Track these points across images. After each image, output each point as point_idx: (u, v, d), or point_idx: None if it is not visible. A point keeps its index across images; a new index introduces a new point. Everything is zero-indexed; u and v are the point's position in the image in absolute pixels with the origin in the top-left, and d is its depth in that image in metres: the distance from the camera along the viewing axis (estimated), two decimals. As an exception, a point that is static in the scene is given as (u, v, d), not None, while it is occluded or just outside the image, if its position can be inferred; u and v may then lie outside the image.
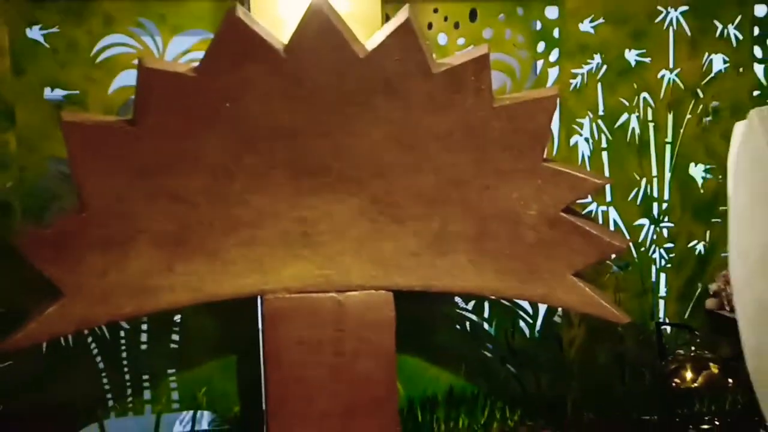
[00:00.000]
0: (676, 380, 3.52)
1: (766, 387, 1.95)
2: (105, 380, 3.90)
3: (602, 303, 3.55)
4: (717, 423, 3.66)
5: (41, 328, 3.27)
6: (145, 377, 3.96)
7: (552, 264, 3.59)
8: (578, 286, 3.58)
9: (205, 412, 4.03)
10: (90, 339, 3.86)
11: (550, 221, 3.55)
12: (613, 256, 3.93)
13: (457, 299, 4.24)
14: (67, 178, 3.64)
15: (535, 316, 4.26)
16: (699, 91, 4.20)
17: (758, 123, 2.05)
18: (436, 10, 4.05)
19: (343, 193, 3.66)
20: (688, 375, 3.46)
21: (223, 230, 3.57)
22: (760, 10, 4.25)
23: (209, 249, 3.56)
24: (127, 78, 3.76)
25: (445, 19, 4.06)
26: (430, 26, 4.07)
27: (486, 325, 4.27)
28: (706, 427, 3.51)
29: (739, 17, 4.21)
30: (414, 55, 3.32)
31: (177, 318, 3.97)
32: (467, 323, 4.24)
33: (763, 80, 4.27)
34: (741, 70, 4.23)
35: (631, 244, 4.18)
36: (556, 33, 4.10)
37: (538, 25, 4.10)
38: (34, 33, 3.71)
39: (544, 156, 3.53)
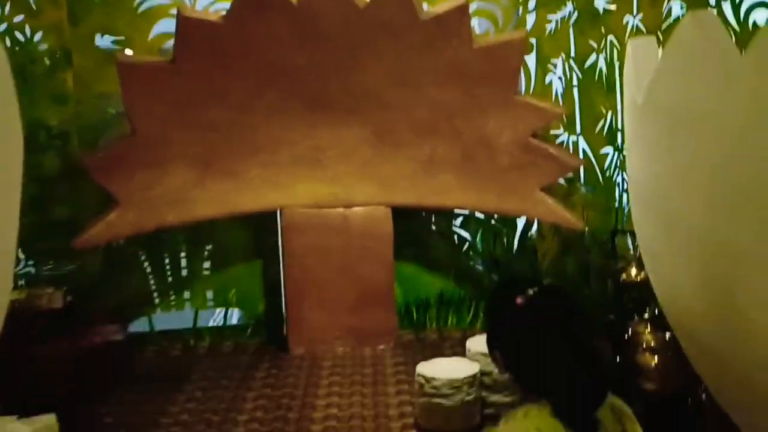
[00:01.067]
0: (624, 276, 4.19)
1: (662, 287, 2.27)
2: (152, 282, 4.67)
3: (564, 213, 4.24)
4: (657, 312, 4.27)
5: (103, 231, 4.04)
6: (185, 280, 4.72)
7: (523, 182, 4.27)
8: (545, 200, 4.27)
9: (235, 310, 4.79)
10: (139, 247, 4.60)
11: (521, 146, 4.22)
12: (571, 173, 4.56)
13: (446, 215, 4.92)
14: (115, 113, 4.35)
15: (513, 232, 4.96)
16: (659, 34, 4.79)
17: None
18: (427, -36, 4.63)
19: (349, 123, 4.35)
20: (633, 271, 4.12)
21: (246, 155, 4.28)
22: (715, -44, 4.81)
23: (234, 170, 4.28)
24: (165, 26, 4.41)
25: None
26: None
27: (472, 239, 4.97)
28: (647, 315, 4.17)
29: (696, -37, 4.77)
30: (404, 5, 3.95)
31: (211, 229, 4.68)
32: (456, 237, 4.95)
33: (716, 25, 4.84)
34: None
35: (597, 168, 4.82)
36: (534, -17, 4.69)
37: (516, -26, 4.69)
38: (86, -14, 4.37)
39: (517, 89, 4.18)
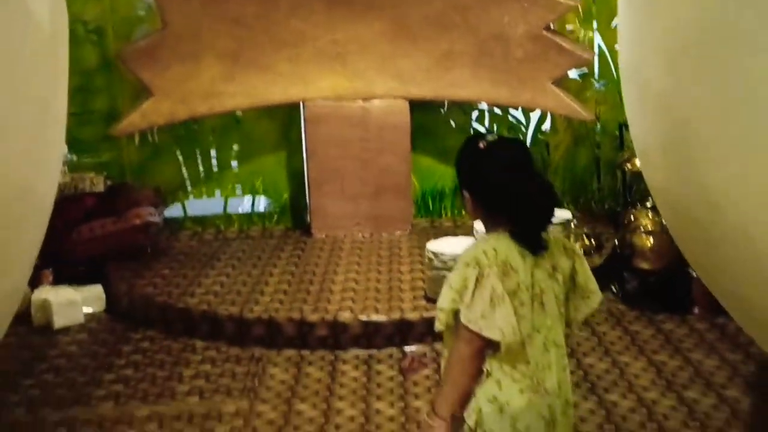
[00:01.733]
0: (628, 165, 4.39)
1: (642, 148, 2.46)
2: (184, 170, 5.00)
3: (573, 105, 4.42)
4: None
5: (138, 119, 4.34)
6: (215, 169, 5.04)
7: (535, 74, 4.44)
8: (555, 92, 4.44)
9: (262, 198, 5.11)
10: (172, 138, 4.90)
11: (534, 39, 4.36)
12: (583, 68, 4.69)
13: (461, 109, 5.11)
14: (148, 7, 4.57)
15: (527, 125, 5.14)
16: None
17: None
18: None
19: (368, 18, 4.51)
20: (637, 161, 4.30)
21: (272, 49, 4.49)
22: None
23: (261, 64, 4.50)
24: None
25: None
26: None
27: (485, 131, 5.18)
28: (649, 204, 4.38)
29: None
30: None
31: (239, 122, 4.96)
32: (471, 131, 5.16)
33: None
34: None
35: (611, 64, 4.94)
36: None
37: None
38: None
39: (530, -16, 4.29)
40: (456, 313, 1.70)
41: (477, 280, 1.67)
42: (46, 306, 3.88)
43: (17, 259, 2.10)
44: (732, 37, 1.71)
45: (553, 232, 1.81)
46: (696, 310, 3.79)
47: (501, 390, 1.72)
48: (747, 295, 2.02)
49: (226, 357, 3.49)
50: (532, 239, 1.72)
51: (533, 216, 1.71)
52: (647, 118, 2.20)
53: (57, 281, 4.17)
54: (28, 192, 2.08)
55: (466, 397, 1.73)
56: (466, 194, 1.80)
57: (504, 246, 1.70)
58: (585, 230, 4.48)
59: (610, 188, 5.11)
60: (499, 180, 1.71)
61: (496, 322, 1.65)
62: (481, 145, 1.76)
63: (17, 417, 3.01)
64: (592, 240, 4.41)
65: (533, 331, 1.73)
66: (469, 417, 1.73)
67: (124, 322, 3.93)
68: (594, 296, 1.85)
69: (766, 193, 1.72)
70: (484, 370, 1.72)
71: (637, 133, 2.42)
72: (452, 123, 5.15)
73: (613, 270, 4.14)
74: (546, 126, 5.15)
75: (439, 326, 1.75)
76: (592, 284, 1.85)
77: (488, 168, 1.73)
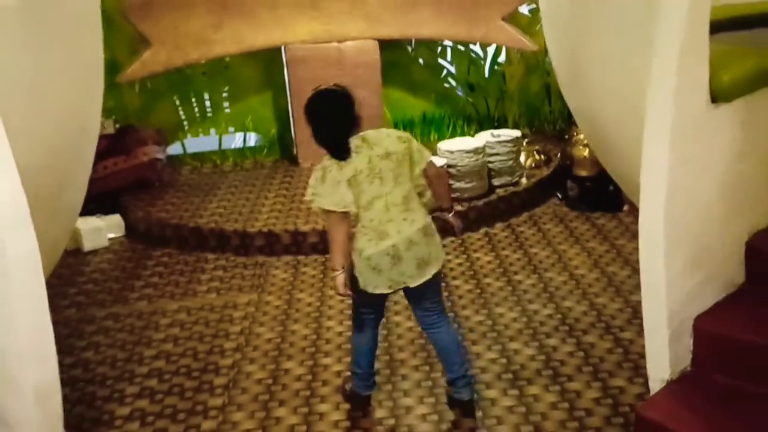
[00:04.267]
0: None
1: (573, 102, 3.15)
2: (181, 112, 5.59)
3: (521, 38, 5.04)
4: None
5: (139, 68, 4.91)
6: (208, 110, 5.64)
7: (488, 12, 5.04)
8: (505, 28, 5.06)
9: (252, 134, 5.73)
10: (168, 84, 5.48)
11: (485, -19, 4.96)
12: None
13: (426, 46, 5.71)
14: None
15: (485, 59, 5.76)
16: None
17: None
18: None
19: (339, -34, 5.07)
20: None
21: (254, -2, 5.05)
22: None
23: (246, 12, 5.05)
24: None
25: None
26: None
27: (449, 66, 5.79)
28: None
29: None
30: None
31: (228, 67, 5.53)
32: (434, 64, 5.78)
33: None
34: None
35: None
36: None
37: None
38: None
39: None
40: None
41: (322, 176, 2.49)
42: (75, 232, 4.52)
43: (81, 177, 2.75)
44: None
45: (387, 132, 2.61)
46: (625, 207, 4.51)
47: (358, 242, 2.53)
48: (619, 169, 2.73)
49: (234, 264, 4.18)
50: (338, 154, 2.48)
51: (325, 144, 2.50)
52: (557, 40, 2.88)
53: (81, 213, 4.79)
54: (84, 129, 2.71)
55: (346, 252, 2.53)
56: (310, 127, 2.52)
57: (329, 158, 2.52)
58: (536, 147, 5.18)
59: (560, 111, 5.75)
60: (307, 119, 2.48)
61: (333, 198, 2.46)
62: (312, 90, 2.50)
63: (69, 315, 3.70)
64: (542, 155, 5.10)
65: (374, 198, 2.49)
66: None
67: (143, 244, 4.58)
68: (422, 161, 2.58)
69: (615, 98, 2.40)
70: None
71: (555, 62, 3.08)
72: (420, 60, 5.76)
73: (557, 179, 4.85)
74: (501, 58, 5.77)
75: (315, 208, 2.58)
76: (418, 155, 2.57)
77: (305, 110, 2.48)
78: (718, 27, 2.62)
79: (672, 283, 2.16)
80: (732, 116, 2.21)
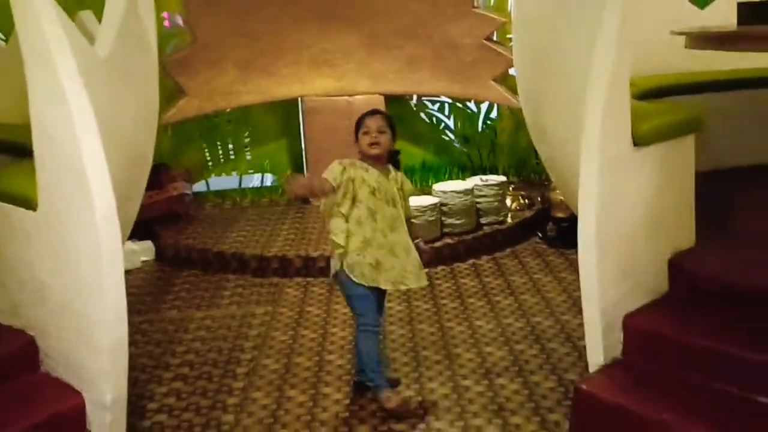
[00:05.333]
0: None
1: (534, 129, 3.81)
2: (207, 154, 6.29)
3: (508, 97, 5.75)
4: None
5: (176, 113, 5.64)
6: (231, 153, 6.34)
7: (480, 73, 5.77)
8: (495, 87, 5.78)
9: (269, 175, 6.42)
10: (197, 127, 6.19)
11: (478, 46, 5.70)
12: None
13: (428, 102, 6.44)
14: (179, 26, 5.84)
15: (479, 114, 6.48)
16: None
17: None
18: None
19: (351, 31, 5.81)
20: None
21: (277, 57, 5.79)
22: None
23: (268, 68, 5.80)
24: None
25: None
26: None
27: (447, 120, 6.51)
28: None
29: None
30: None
31: (250, 114, 6.25)
32: (434, 118, 6.49)
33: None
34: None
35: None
36: None
37: None
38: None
39: (474, 4, 5.62)
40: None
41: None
42: (113, 254, 5.16)
43: (138, 194, 3.40)
44: (553, 45, 3.04)
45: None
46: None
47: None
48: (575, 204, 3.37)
49: (252, 284, 4.80)
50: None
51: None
52: (523, 93, 3.57)
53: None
54: (144, 157, 3.38)
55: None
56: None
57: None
58: (521, 193, 5.83)
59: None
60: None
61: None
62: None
63: (111, 320, 4.31)
64: (526, 200, 5.75)
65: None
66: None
67: (171, 266, 5.21)
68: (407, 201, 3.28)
69: (566, 146, 3.05)
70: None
71: (526, 116, 3.75)
72: (421, 114, 6.48)
73: (538, 220, 5.48)
74: (493, 114, 6.49)
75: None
76: (409, 188, 3.29)
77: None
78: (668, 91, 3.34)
79: (603, 288, 2.77)
80: (651, 157, 2.85)
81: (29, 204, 2.64)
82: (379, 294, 3.23)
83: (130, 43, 3.14)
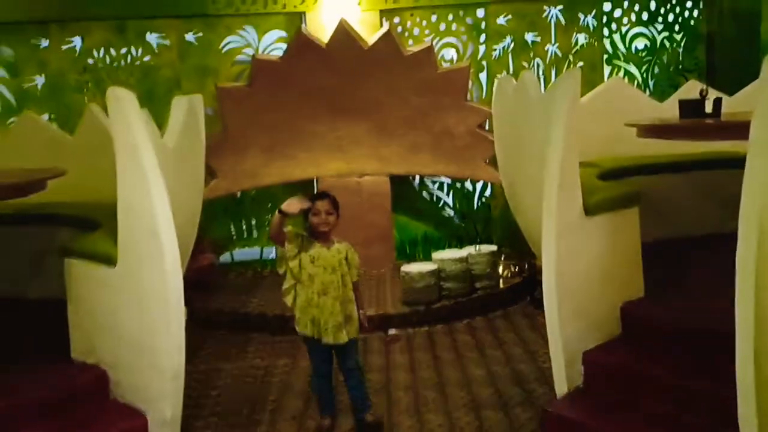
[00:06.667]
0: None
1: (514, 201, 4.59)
2: (232, 229, 7.07)
3: (498, 176, 6.53)
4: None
5: (207, 192, 6.35)
6: (253, 228, 7.11)
7: (473, 155, 6.58)
8: (487, 168, 6.58)
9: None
10: (223, 206, 6.98)
11: (471, 134, 6.53)
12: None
13: (429, 182, 7.24)
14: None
15: (474, 193, 7.26)
16: (570, 56, 7.04)
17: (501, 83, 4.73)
18: (411, 14, 6.92)
19: (360, 121, 6.67)
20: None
21: (295, 143, 6.64)
22: (607, 6, 7.06)
23: (288, 154, 6.64)
24: (239, 59, 6.76)
25: (418, 19, 6.92)
26: (408, 24, 6.97)
27: (446, 198, 7.29)
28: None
29: (594, 10, 7.01)
30: (393, 47, 6.28)
31: (271, 193, 7.04)
32: (435, 196, 7.28)
33: (609, 49, 7.11)
34: (596, 43, 7.06)
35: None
36: (483, 25, 6.96)
37: (471, 21, 6.95)
38: (189, 37, 6.74)
39: (467, 98, 6.49)
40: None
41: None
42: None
43: (190, 247, 4.16)
44: (519, 136, 3.82)
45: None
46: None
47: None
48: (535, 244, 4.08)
49: (274, 340, 5.47)
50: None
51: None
52: (505, 181, 4.33)
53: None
54: (194, 217, 4.16)
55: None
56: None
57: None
58: (512, 261, 6.53)
59: (534, 235, 7.16)
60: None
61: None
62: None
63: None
64: (516, 267, 6.45)
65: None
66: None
67: (201, 327, 5.89)
68: (353, 270, 3.86)
69: (528, 195, 3.79)
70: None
71: (506, 191, 4.51)
72: (423, 193, 7.28)
73: (527, 285, 6.16)
74: (488, 192, 7.27)
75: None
76: (356, 262, 3.87)
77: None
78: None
79: (563, 323, 3.45)
80: (599, 224, 3.59)
81: (110, 261, 3.37)
82: (327, 345, 3.76)
83: (188, 136, 3.96)
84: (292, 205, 3.68)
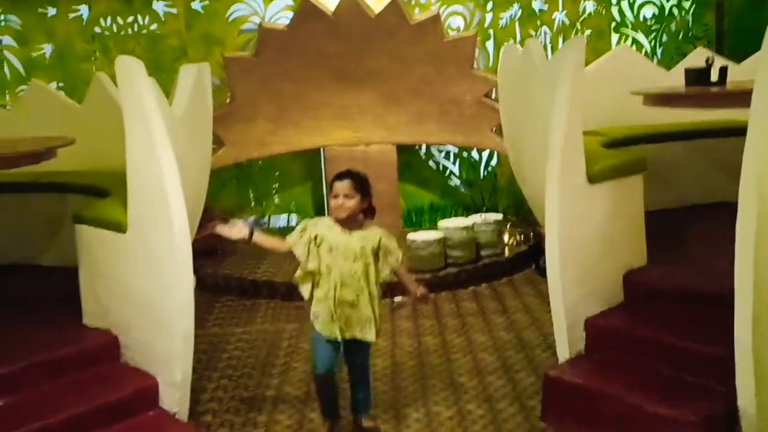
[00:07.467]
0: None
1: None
2: (240, 197, 7.12)
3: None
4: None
5: (215, 161, 6.41)
6: (261, 195, 7.17)
7: (480, 124, 6.59)
8: (493, 137, 6.59)
9: (294, 215, 7.22)
10: (231, 174, 7.03)
11: (478, 102, 6.53)
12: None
13: (435, 150, 7.26)
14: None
15: (480, 161, 7.28)
16: (578, 24, 7.00)
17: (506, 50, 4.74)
18: (420, -18, 6.90)
19: (366, 90, 6.67)
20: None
21: (302, 112, 6.65)
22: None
23: (295, 122, 6.66)
24: (246, 27, 6.76)
25: (425, -13, 6.91)
26: (416, -9, 6.93)
27: (452, 167, 7.31)
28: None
29: (604, -22, 6.98)
30: (399, 15, 6.26)
31: (278, 162, 7.09)
32: (441, 165, 7.30)
33: (617, 17, 7.06)
34: (603, 11, 7.01)
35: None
36: (490, -8, 6.94)
37: (480, -12, 6.94)
38: (196, 5, 6.73)
39: (473, 66, 6.48)
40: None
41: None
42: (160, 282, 5.94)
43: (196, 220, 4.21)
44: (524, 104, 3.84)
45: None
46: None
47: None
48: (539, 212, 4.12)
49: (281, 306, 5.56)
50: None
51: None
52: (508, 141, 4.35)
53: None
54: (202, 190, 4.21)
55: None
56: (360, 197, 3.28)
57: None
58: (518, 229, 6.58)
59: (540, 204, 7.19)
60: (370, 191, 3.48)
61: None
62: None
63: (163, 335, 5.07)
64: (522, 235, 6.50)
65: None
66: None
67: (211, 293, 5.98)
68: (392, 255, 3.35)
69: (532, 163, 3.82)
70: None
71: (511, 160, 4.54)
72: (429, 161, 7.30)
73: (533, 253, 6.21)
74: (494, 161, 7.29)
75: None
76: (393, 247, 3.34)
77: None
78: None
79: (565, 290, 3.50)
80: (603, 192, 3.62)
81: (120, 228, 3.44)
82: (337, 343, 3.33)
83: (196, 104, 3.99)
84: (233, 230, 3.39)
